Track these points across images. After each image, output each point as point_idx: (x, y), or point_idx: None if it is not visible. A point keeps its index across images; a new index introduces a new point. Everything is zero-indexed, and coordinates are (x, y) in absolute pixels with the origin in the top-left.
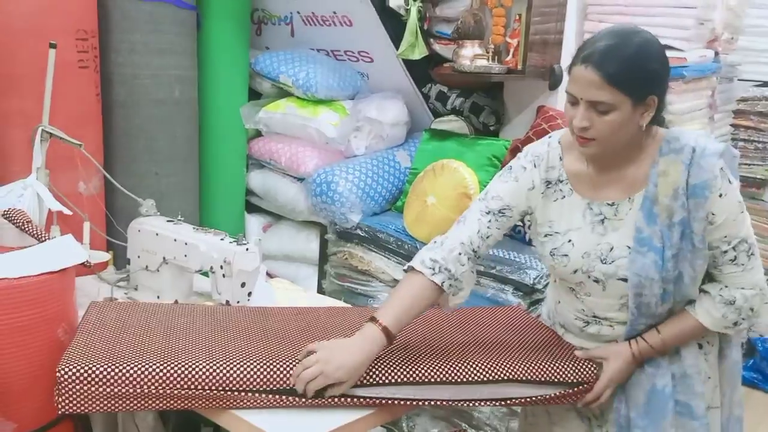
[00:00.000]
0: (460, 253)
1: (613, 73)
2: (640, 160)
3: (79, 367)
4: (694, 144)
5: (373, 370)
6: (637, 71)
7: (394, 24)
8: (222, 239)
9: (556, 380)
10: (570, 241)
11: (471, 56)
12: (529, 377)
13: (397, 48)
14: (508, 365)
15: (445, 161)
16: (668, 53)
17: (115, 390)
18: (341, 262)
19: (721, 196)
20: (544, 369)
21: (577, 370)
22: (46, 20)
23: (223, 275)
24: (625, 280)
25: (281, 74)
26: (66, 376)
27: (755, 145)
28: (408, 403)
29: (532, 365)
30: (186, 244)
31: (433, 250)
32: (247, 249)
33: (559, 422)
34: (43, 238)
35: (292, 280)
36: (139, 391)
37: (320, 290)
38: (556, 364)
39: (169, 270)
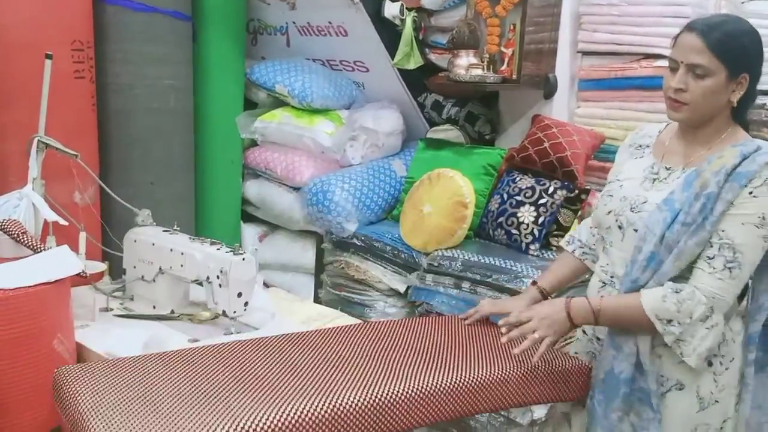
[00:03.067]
0: (591, 226)
1: (714, 41)
2: (713, 146)
3: None
4: (756, 149)
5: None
6: (735, 45)
7: (389, 34)
8: (218, 249)
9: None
10: (621, 186)
11: (466, 66)
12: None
13: (392, 57)
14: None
15: (440, 170)
16: (661, 63)
17: None
18: (338, 272)
19: (751, 193)
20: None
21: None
22: (41, 31)
23: (220, 285)
24: (636, 231)
25: (277, 84)
26: None
27: None
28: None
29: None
30: (182, 253)
31: (576, 230)
32: (243, 259)
33: None
34: (39, 249)
35: (289, 290)
36: None
37: (317, 299)
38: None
39: (165, 280)
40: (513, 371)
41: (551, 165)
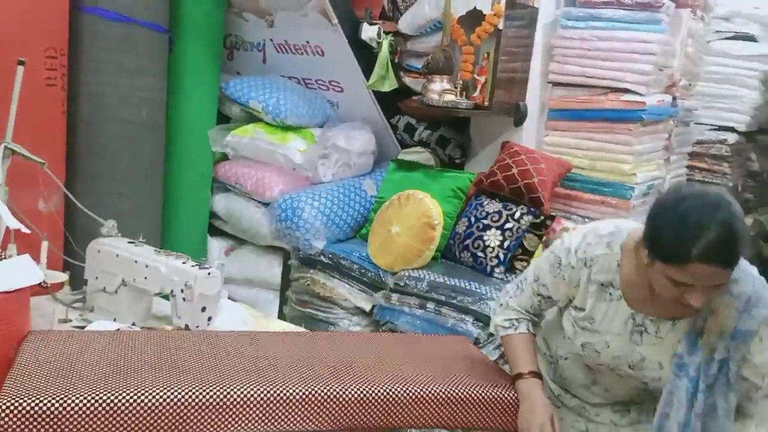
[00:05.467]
0: (519, 319)
1: (735, 260)
2: None
3: (17, 401)
4: (751, 293)
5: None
6: (746, 243)
7: (365, 56)
8: (184, 262)
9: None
10: (606, 343)
11: (440, 91)
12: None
13: (367, 79)
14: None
15: (410, 191)
16: (628, 97)
17: (57, 425)
18: (303, 288)
19: (761, 340)
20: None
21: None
22: (16, 37)
23: (184, 299)
24: (645, 383)
25: (251, 99)
26: (4, 413)
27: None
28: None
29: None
30: (147, 266)
31: (501, 312)
32: (209, 273)
33: None
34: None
35: (253, 305)
36: (84, 424)
37: (281, 316)
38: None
39: (128, 292)
40: (457, 390)
41: (518, 191)
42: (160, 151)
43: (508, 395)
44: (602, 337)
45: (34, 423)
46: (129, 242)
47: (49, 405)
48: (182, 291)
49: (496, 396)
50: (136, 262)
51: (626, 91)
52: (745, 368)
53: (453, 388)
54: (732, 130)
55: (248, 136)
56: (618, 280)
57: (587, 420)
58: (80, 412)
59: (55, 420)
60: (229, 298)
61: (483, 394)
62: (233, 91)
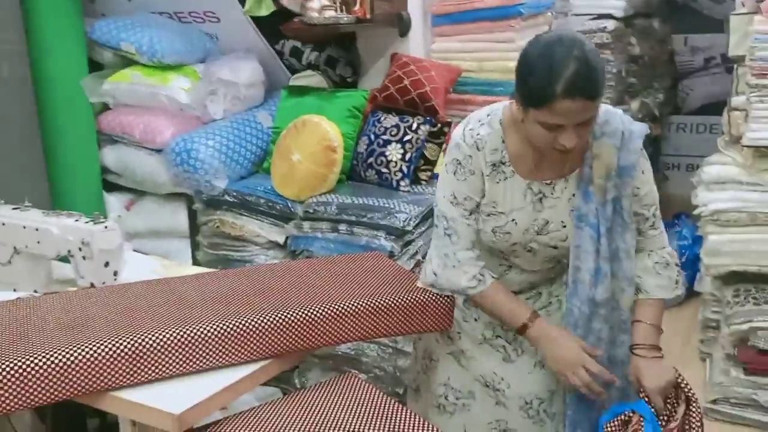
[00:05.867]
0: (478, 256)
1: (599, 90)
2: None
3: None
4: (622, 128)
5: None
6: (604, 76)
7: None
8: (76, 220)
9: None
10: (513, 220)
11: (318, 8)
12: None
13: (243, 5)
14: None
15: (306, 117)
16: None
17: None
18: (213, 231)
19: (643, 172)
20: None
21: (434, 294)
22: None
23: (83, 257)
24: (555, 247)
25: (122, 41)
26: None
27: None
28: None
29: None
30: (37, 230)
31: (459, 274)
32: (105, 227)
33: (470, 355)
34: None
35: (165, 256)
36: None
37: (195, 262)
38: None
39: (23, 260)
40: (372, 302)
41: (413, 102)
42: (32, 108)
43: (423, 298)
44: (507, 217)
45: None
46: (14, 208)
47: None
48: (80, 249)
49: (411, 301)
50: (24, 227)
51: None
52: (634, 203)
53: (369, 300)
54: (610, 17)
55: (126, 81)
56: (507, 156)
57: None
58: None
59: None
60: (138, 252)
61: (399, 302)
62: (100, 35)
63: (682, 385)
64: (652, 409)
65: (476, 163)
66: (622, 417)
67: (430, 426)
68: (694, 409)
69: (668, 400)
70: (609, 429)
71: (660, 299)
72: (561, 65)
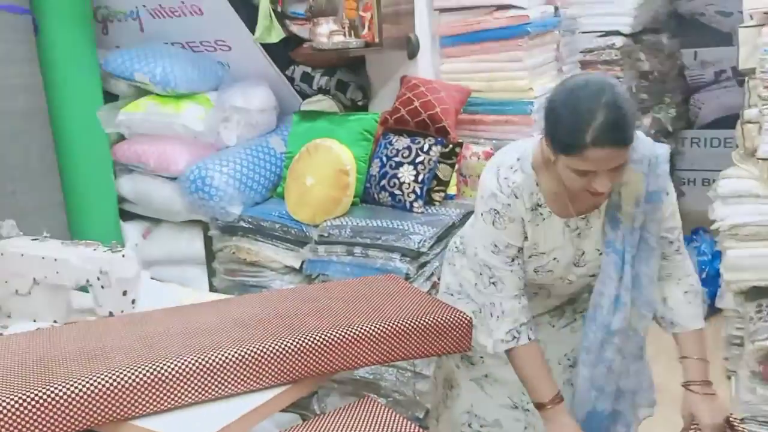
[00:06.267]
0: (522, 306)
1: (628, 137)
2: None
3: None
4: (649, 154)
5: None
6: (634, 121)
7: (246, 9)
8: (95, 249)
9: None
10: (555, 258)
11: (327, 33)
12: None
13: (253, 33)
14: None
15: (318, 141)
16: (512, 12)
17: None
18: (229, 257)
19: (668, 194)
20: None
21: (452, 316)
22: None
23: (102, 286)
24: (592, 276)
25: (136, 72)
26: None
27: None
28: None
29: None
30: (55, 260)
31: (501, 326)
32: (123, 255)
33: (494, 379)
34: None
35: (182, 283)
36: (19, 423)
37: (212, 288)
38: (431, 314)
39: (42, 291)
40: (390, 325)
41: (423, 123)
42: (49, 139)
43: (441, 320)
44: (549, 257)
45: None
46: (33, 239)
47: None
48: (98, 279)
49: (429, 323)
50: (43, 258)
51: (510, 6)
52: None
53: (387, 323)
54: (618, 33)
55: (141, 111)
56: (542, 198)
57: None
58: (7, 413)
59: None
60: (155, 279)
61: (417, 324)
62: (114, 67)
63: (735, 424)
64: None
65: (515, 210)
66: None
67: None
68: None
69: None
70: None
71: (699, 330)
72: (588, 114)
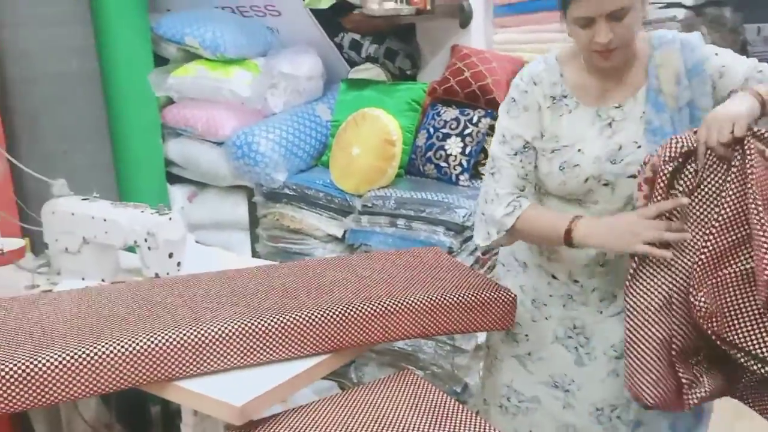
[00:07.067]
0: (518, 197)
1: None
2: (636, 60)
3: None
4: (675, 38)
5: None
6: None
7: None
8: (142, 212)
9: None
10: (579, 150)
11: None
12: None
13: None
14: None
15: (365, 110)
16: None
17: (29, 385)
18: (273, 224)
19: (717, 54)
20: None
21: (496, 293)
22: None
23: (149, 248)
24: (633, 176)
25: (186, 36)
26: None
27: None
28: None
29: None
30: (105, 220)
31: (495, 206)
32: (170, 218)
33: (537, 357)
34: None
35: (226, 248)
36: (66, 380)
37: (255, 254)
38: (475, 291)
39: (91, 250)
40: (432, 298)
41: (473, 94)
42: (100, 101)
43: (485, 296)
44: (572, 149)
45: (7, 387)
46: (83, 199)
47: (19, 366)
48: (146, 240)
49: (472, 298)
50: (93, 218)
51: None
52: (726, 84)
53: (429, 297)
54: (680, 5)
55: (190, 75)
56: (567, 89)
57: (573, 309)
58: (54, 369)
59: (28, 380)
60: (197, 242)
61: (459, 299)
62: (166, 30)
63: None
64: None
65: (532, 97)
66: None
67: (492, 428)
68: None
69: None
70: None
71: None
72: None
